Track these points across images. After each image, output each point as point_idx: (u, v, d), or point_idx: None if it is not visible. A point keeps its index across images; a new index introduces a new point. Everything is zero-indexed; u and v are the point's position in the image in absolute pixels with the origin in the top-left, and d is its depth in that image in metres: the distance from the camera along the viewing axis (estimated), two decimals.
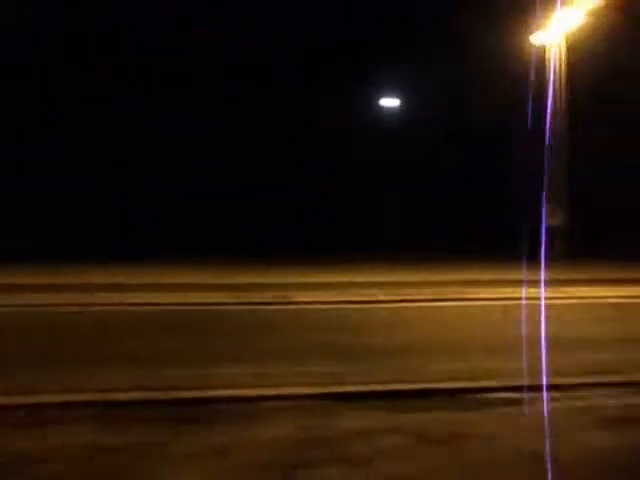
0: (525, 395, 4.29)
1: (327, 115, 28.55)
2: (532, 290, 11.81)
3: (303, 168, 28.16)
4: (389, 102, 32.15)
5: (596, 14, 13.75)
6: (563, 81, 14.10)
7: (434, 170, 29.12)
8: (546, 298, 10.80)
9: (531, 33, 15.49)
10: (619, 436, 3.36)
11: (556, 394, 4.30)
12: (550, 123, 14.28)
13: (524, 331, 7.50)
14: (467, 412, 3.82)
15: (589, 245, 17.00)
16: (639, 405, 4.06)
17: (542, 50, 15.41)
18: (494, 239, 23.18)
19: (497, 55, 21.25)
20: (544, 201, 13.78)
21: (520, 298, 10.96)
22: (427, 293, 11.30)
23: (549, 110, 13.36)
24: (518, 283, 12.73)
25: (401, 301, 10.46)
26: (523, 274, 13.94)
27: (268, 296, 10.41)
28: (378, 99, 32.04)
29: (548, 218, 13.11)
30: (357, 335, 7.18)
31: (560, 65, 14.52)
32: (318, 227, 26.01)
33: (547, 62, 15.07)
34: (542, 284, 12.12)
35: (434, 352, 6.19)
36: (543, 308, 9.61)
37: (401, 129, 30.35)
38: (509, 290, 11.87)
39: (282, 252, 20.71)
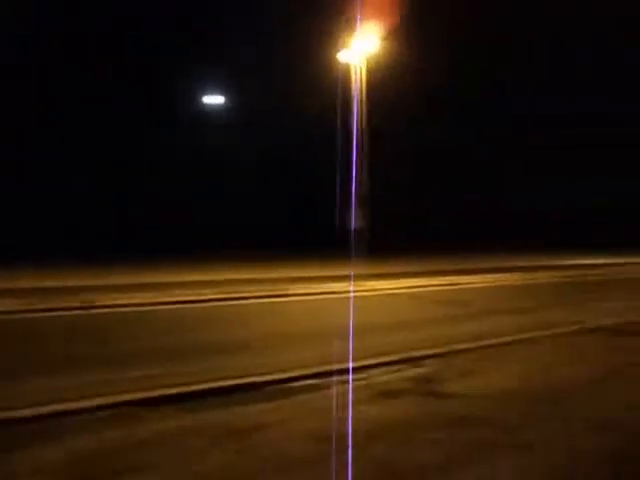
0: (324, 380, 4.78)
1: (149, 112, 27.52)
2: (343, 285, 13.03)
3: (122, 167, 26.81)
4: (213, 99, 31.92)
5: (386, 40, 15.86)
6: (363, 98, 15.84)
7: (260, 168, 29.83)
8: (355, 291, 12.07)
9: (338, 50, 17.10)
10: (389, 407, 4.01)
11: (349, 376, 4.87)
12: (357, 137, 15.90)
13: (334, 322, 8.27)
14: (269, 403, 4.09)
15: (386, 244, 19.46)
16: (410, 378, 4.83)
17: (348, 68, 17.12)
18: (312, 238, 24.78)
19: (310, 67, 22.89)
20: (354, 205, 15.31)
21: (333, 292, 12.01)
22: (251, 291, 11.58)
23: (355, 125, 14.93)
24: (331, 279, 13.93)
25: (226, 299, 10.52)
26: (335, 271, 15.32)
27: (75, 300, 9.55)
28: (201, 96, 31.65)
29: (355, 220, 14.53)
30: (181, 336, 7.11)
31: (361, 84, 16.24)
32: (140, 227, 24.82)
33: (352, 79, 16.78)
34: (351, 279, 13.47)
35: (252, 348, 6.43)
36: (352, 300, 10.72)
37: (228, 126, 30.46)
38: (325, 285, 12.87)
39: (95, 253, 19.16)
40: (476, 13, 29.95)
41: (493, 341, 6.60)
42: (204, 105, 31.91)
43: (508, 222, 35.91)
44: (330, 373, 4.93)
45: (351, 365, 5.14)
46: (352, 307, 9.56)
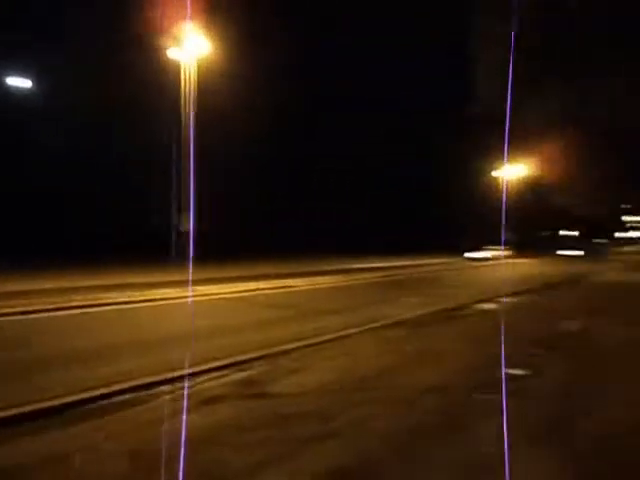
0: (150, 392, 4.56)
1: None
2: (174, 290, 12.55)
3: None
4: (18, 82, 28.27)
5: (216, 42, 15.82)
6: (191, 98, 15.43)
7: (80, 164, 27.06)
8: (188, 297, 11.72)
9: (167, 48, 16.35)
10: (215, 413, 4.00)
11: (176, 385, 4.73)
12: (189, 138, 15.40)
13: (165, 329, 7.90)
14: (85, 423, 3.77)
15: (214, 247, 19.31)
16: (237, 382, 4.88)
17: (177, 66, 16.51)
18: (141, 242, 23.31)
19: (137, 59, 21.57)
20: (186, 208, 14.72)
21: (164, 299, 11.48)
22: (74, 300, 10.46)
23: (190, 128, 14.44)
24: (162, 285, 13.33)
25: (43, 311, 9.30)
26: (165, 276, 14.68)
27: None
28: (4, 77, 27.86)
29: (182, 224, 14.12)
30: None
31: (189, 82, 15.83)
32: None
33: (183, 77, 16.21)
34: (190, 284, 13.03)
35: (73, 362, 5.80)
36: (191, 306, 10.38)
37: (34, 111, 27.17)
38: (155, 292, 12.24)
39: None
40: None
41: (317, 340, 7.02)
42: (8, 87, 28.04)
43: (330, 228, 38.62)
44: (156, 383, 4.74)
45: (178, 373, 5.01)
46: (187, 313, 9.32)
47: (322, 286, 15.92)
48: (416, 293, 13.91)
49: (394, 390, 4.56)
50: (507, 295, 12.32)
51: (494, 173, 36.69)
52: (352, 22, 40.46)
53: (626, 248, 65.61)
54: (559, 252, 46.56)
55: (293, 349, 6.35)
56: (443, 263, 31.20)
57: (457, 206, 47.99)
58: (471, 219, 46.40)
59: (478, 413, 3.99)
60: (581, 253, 45.92)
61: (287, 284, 15.57)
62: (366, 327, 8.02)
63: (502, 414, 3.89)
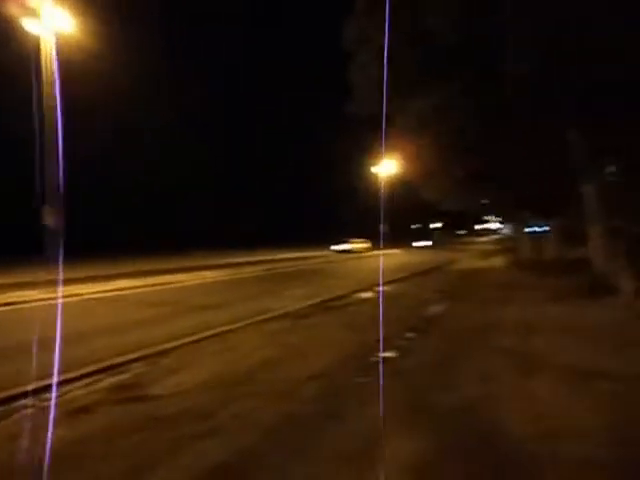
0: (10, 406, 4.12)
1: None
2: (37, 292, 11.37)
3: None
4: None
5: (85, 20, 14.43)
6: (51, 78, 13.86)
7: None
8: (54, 298, 10.68)
9: (24, 17, 14.34)
10: (85, 423, 3.73)
11: (40, 396, 4.32)
12: (49, 122, 13.77)
13: (27, 336, 7.11)
14: None
15: (95, 243, 17.89)
16: (111, 387, 4.59)
17: (37, 40, 14.63)
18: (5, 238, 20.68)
19: None
20: (55, 201, 13.21)
21: (30, 301, 10.37)
22: None
23: (58, 115, 12.86)
24: (24, 286, 12.00)
25: None
26: (29, 277, 13.22)
27: None
28: None
29: (46, 218, 12.78)
30: None
31: (50, 62, 14.27)
32: None
33: (43, 53, 14.40)
34: (60, 284, 11.83)
35: None
36: (61, 308, 9.43)
37: None
38: (16, 294, 11.04)
39: None
40: None
41: (199, 336, 6.87)
42: None
43: (220, 221, 37.88)
44: (17, 396, 4.30)
45: (46, 382, 4.60)
46: (56, 316, 8.52)
47: (206, 281, 15.55)
48: (298, 285, 14.21)
49: (277, 382, 4.63)
50: (380, 284, 13.14)
51: (372, 170, 38.71)
52: (233, 14, 39.87)
53: (483, 239, 73.82)
54: (414, 243, 53.36)
55: (174, 348, 6.14)
56: (322, 256, 32.27)
57: (339, 201, 49.94)
58: (353, 213, 48.70)
59: (356, 398, 4.20)
60: (430, 243, 53.88)
61: (169, 280, 14.97)
62: (250, 321, 8.02)
63: (379, 395, 4.15)
